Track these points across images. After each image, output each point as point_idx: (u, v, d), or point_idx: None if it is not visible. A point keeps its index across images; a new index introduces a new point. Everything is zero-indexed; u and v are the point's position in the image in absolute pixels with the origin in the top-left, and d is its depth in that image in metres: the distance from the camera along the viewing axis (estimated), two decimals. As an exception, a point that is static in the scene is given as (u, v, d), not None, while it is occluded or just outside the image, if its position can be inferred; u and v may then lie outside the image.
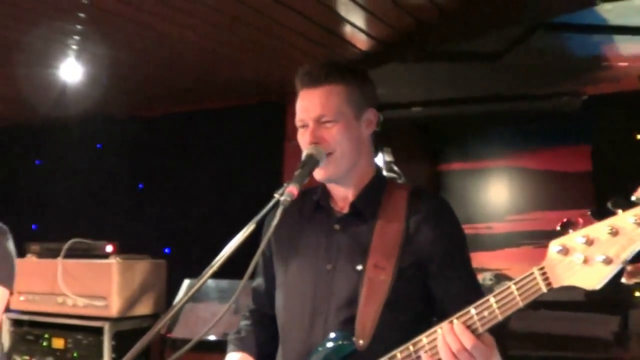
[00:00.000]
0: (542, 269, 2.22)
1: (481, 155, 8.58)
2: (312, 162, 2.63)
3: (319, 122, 2.70)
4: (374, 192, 2.79)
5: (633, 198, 2.05)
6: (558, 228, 2.26)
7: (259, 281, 3.07)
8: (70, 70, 5.89)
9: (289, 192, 2.47)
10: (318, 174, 2.69)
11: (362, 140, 2.77)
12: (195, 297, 2.37)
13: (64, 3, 4.59)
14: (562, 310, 5.66)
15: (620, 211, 2.08)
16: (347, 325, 2.61)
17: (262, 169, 6.75)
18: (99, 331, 6.04)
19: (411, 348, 2.45)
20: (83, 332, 6.14)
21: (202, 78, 6.41)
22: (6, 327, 6.28)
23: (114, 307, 6.02)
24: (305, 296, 2.75)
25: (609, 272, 2.12)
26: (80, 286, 6.13)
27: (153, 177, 7.45)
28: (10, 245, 3.53)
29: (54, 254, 6.32)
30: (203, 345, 2.83)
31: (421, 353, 2.42)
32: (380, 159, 4.70)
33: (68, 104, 7.16)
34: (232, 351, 2.97)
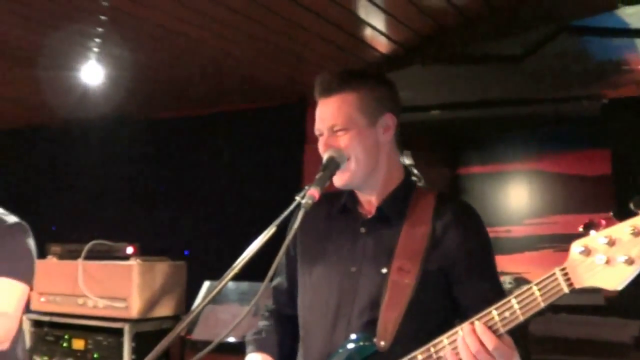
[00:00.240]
0: (563, 269, 2.21)
1: (500, 159, 8.55)
2: (334, 165, 2.65)
3: (331, 131, 2.72)
4: (401, 196, 2.79)
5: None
6: (580, 229, 2.26)
7: (280, 280, 3.08)
8: (91, 73, 5.91)
9: (310, 194, 2.47)
10: (336, 181, 2.71)
11: (380, 146, 2.77)
12: (216, 299, 2.37)
13: (85, 6, 4.61)
14: (582, 314, 5.64)
15: (642, 212, 2.08)
16: (370, 327, 2.61)
17: (282, 172, 6.75)
18: (119, 332, 6.05)
19: (432, 349, 2.45)
20: (103, 333, 6.16)
21: (223, 81, 6.42)
22: (26, 328, 6.29)
23: (134, 309, 6.03)
24: (329, 297, 2.76)
25: (630, 273, 2.11)
26: (101, 287, 6.14)
27: (173, 179, 7.46)
28: (31, 242, 3.56)
29: (74, 256, 6.34)
30: (223, 347, 2.84)
31: (442, 354, 2.42)
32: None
33: (89, 106, 7.19)
34: (252, 352, 2.97)
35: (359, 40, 5.31)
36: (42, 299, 6.32)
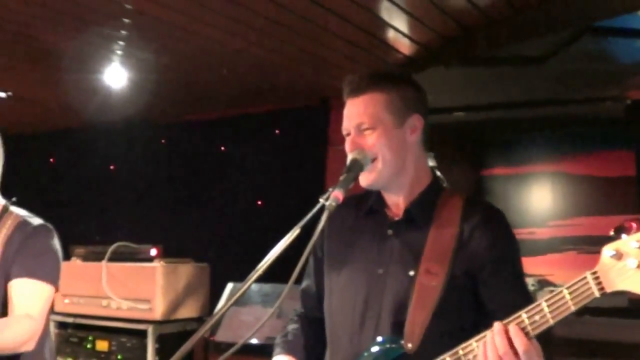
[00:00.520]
0: (594, 273, 2.20)
1: (524, 160, 8.55)
2: (357, 166, 2.65)
3: (358, 129, 2.73)
4: (429, 198, 2.79)
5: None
6: (611, 233, 2.26)
7: (308, 283, 3.08)
8: (115, 76, 5.93)
9: (334, 196, 2.47)
10: (362, 181, 2.70)
11: (407, 146, 2.77)
12: (239, 301, 2.37)
13: (109, 9, 4.62)
14: (606, 317, 5.62)
15: (674, 216, 2.08)
16: (397, 330, 2.61)
17: (305, 174, 6.75)
18: (142, 334, 6.07)
19: (460, 352, 2.45)
20: (127, 335, 6.18)
21: (245, 83, 6.43)
22: (51, 329, 6.34)
23: (158, 310, 6.06)
24: (356, 299, 2.76)
25: (663, 277, 2.11)
26: (125, 289, 6.17)
27: (196, 182, 7.48)
28: (56, 243, 3.57)
29: (98, 257, 6.38)
30: (246, 349, 2.85)
31: (471, 356, 2.42)
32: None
33: (112, 109, 7.22)
34: (279, 354, 2.97)
35: (381, 42, 5.31)
36: (66, 301, 6.36)
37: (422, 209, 2.77)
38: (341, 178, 2.57)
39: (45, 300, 3.44)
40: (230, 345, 2.33)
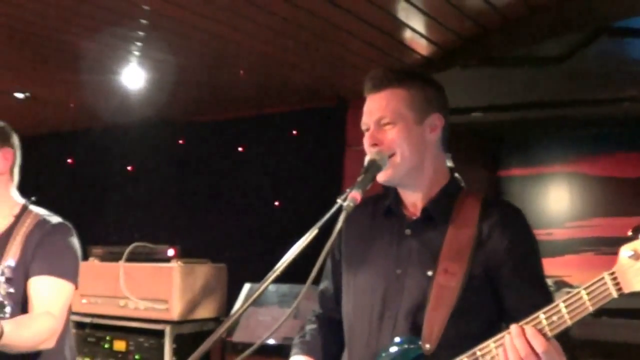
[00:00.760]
0: (612, 273, 2.20)
1: (541, 161, 8.52)
2: (375, 167, 2.64)
3: (378, 124, 2.72)
4: (447, 198, 2.78)
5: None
6: (629, 233, 2.24)
7: (327, 284, 3.08)
8: (133, 76, 5.95)
9: (351, 197, 2.46)
10: (380, 176, 2.69)
11: (426, 144, 2.77)
12: (256, 301, 2.37)
13: (126, 10, 4.63)
14: (623, 318, 5.60)
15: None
16: (415, 330, 2.61)
17: (322, 175, 6.74)
18: (160, 334, 6.09)
19: (478, 353, 2.45)
20: (144, 335, 6.20)
21: (262, 83, 6.44)
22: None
23: (175, 311, 6.07)
24: (374, 300, 2.75)
25: (681, 277, 2.11)
26: (142, 289, 6.19)
27: (214, 182, 7.49)
28: (75, 241, 3.59)
29: (116, 258, 6.40)
30: (263, 350, 2.85)
31: (489, 358, 2.41)
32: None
33: (130, 110, 7.24)
34: (296, 355, 2.98)
35: (398, 43, 5.30)
36: (84, 301, 6.37)
37: (440, 208, 2.76)
38: (359, 179, 2.57)
39: (65, 298, 3.45)
40: (247, 345, 2.34)
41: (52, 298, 3.39)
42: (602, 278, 2.21)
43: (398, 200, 2.87)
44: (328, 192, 6.26)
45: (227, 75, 6.17)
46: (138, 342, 6.23)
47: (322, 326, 3.07)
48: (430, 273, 2.65)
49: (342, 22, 4.86)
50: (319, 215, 2.45)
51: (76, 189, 8.30)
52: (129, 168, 8.11)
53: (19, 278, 3.33)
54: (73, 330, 6.17)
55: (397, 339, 2.63)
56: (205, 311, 6.32)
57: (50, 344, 3.33)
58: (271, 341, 5.35)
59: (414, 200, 2.82)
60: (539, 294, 2.64)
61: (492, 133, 8.57)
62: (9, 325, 2.96)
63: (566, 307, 2.27)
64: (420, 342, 2.57)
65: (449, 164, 2.90)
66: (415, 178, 2.77)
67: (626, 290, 2.18)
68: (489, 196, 2.83)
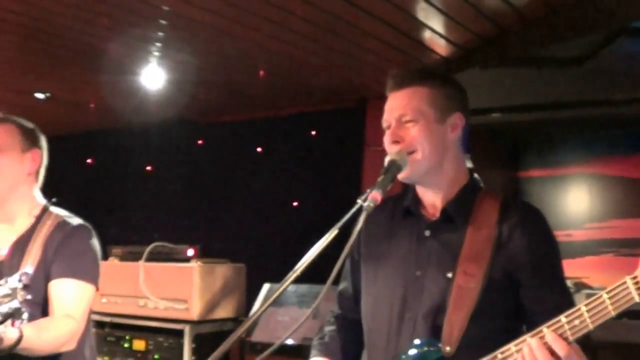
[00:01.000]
0: (634, 277, 2.18)
1: (561, 162, 8.49)
2: (395, 167, 2.64)
3: (400, 121, 2.72)
4: (466, 198, 2.77)
5: None
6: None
7: (346, 285, 3.07)
8: (152, 77, 5.96)
9: (372, 197, 2.46)
10: (400, 174, 2.68)
11: (447, 143, 2.76)
12: (275, 302, 2.37)
13: (146, 10, 4.64)
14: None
15: None
16: (435, 332, 2.60)
17: (341, 175, 6.74)
18: (179, 334, 6.11)
19: (499, 356, 2.43)
20: (164, 335, 6.22)
21: (281, 84, 6.44)
22: (89, 328, 6.39)
23: (195, 310, 6.09)
24: (393, 302, 2.74)
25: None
26: (162, 289, 6.21)
27: (233, 182, 7.49)
28: (95, 243, 3.59)
29: (135, 257, 6.42)
30: (282, 350, 2.86)
31: None
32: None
33: (149, 110, 7.26)
34: (315, 356, 2.98)
35: (418, 43, 5.29)
36: (104, 300, 6.40)
37: (460, 209, 2.75)
38: (379, 179, 2.57)
39: (85, 300, 3.46)
40: (266, 345, 2.34)
41: (72, 301, 3.39)
42: (624, 282, 2.20)
43: (416, 201, 2.86)
44: (347, 193, 6.29)
45: (246, 75, 6.18)
46: (157, 341, 6.25)
47: (341, 327, 3.07)
48: (450, 275, 2.64)
49: (361, 22, 4.86)
50: (337, 215, 2.44)
51: (96, 189, 8.32)
52: (148, 168, 8.13)
53: (39, 282, 3.33)
54: (93, 330, 6.21)
55: (416, 341, 2.62)
56: (224, 311, 6.34)
57: (71, 346, 3.34)
58: (290, 341, 5.35)
59: (433, 200, 2.81)
60: (559, 296, 2.64)
61: (511, 134, 8.55)
62: (28, 329, 2.97)
63: (588, 311, 2.25)
64: (440, 345, 2.57)
65: (468, 164, 2.90)
66: (435, 177, 2.76)
67: None
68: (508, 197, 2.81)
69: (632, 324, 5.54)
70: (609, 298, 2.22)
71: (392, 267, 2.80)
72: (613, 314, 2.21)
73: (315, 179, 6.97)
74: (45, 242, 3.47)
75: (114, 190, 8.28)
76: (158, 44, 5.32)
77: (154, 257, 6.36)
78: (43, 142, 3.71)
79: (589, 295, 2.43)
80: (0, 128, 3.60)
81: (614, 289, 2.22)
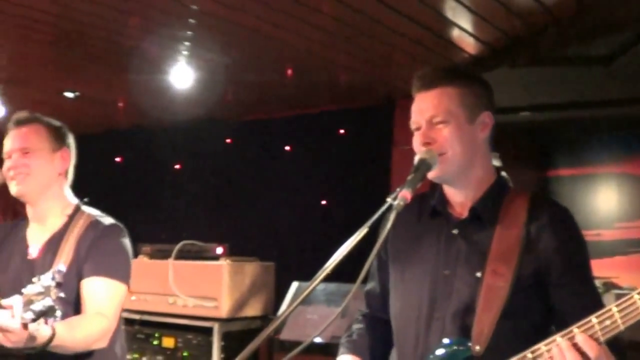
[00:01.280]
0: None
1: (590, 161, 8.45)
2: (425, 166, 2.63)
3: (430, 123, 2.70)
4: (494, 197, 2.77)
5: None
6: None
7: (373, 284, 3.07)
8: (181, 76, 5.98)
9: (402, 196, 2.45)
10: (431, 173, 2.67)
11: (477, 143, 2.76)
12: (304, 300, 2.38)
13: (175, 9, 4.66)
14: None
15: None
16: (464, 332, 2.60)
17: (369, 174, 6.74)
18: (208, 331, 6.13)
19: (529, 356, 2.42)
20: (193, 332, 6.24)
21: (310, 82, 6.45)
22: (119, 326, 6.43)
23: (224, 308, 6.10)
24: (422, 301, 2.74)
25: None
26: (191, 287, 6.23)
27: (261, 180, 7.50)
28: (127, 242, 3.61)
29: (165, 255, 6.44)
30: (310, 348, 2.87)
31: None
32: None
33: (178, 109, 7.29)
34: (343, 354, 2.98)
35: (446, 41, 5.28)
36: (133, 298, 6.42)
37: (488, 208, 2.75)
38: (409, 177, 2.56)
39: (117, 299, 3.48)
40: (294, 343, 2.35)
41: (104, 299, 3.42)
42: None
43: (443, 200, 2.85)
44: (375, 191, 6.29)
45: (274, 74, 6.19)
46: (186, 339, 6.28)
47: (369, 326, 3.07)
48: (479, 274, 2.63)
49: (390, 21, 4.85)
50: (366, 214, 2.44)
51: (124, 188, 8.36)
52: (177, 166, 8.17)
53: (71, 281, 3.35)
54: (122, 327, 6.27)
55: (445, 341, 2.62)
56: (252, 309, 6.35)
57: (102, 344, 3.36)
58: (318, 340, 5.35)
59: (461, 199, 2.80)
60: (588, 296, 2.63)
61: (540, 133, 8.52)
62: (61, 327, 2.99)
63: (619, 311, 2.24)
64: (469, 344, 2.56)
65: (497, 163, 2.89)
66: (464, 177, 2.76)
67: None
68: (536, 195, 2.80)
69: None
70: None
71: (420, 267, 2.80)
72: None
73: (344, 177, 6.97)
74: (78, 241, 3.50)
75: (142, 188, 8.32)
76: (187, 43, 5.34)
77: (183, 255, 6.39)
78: (71, 140, 3.73)
79: (618, 295, 2.42)
80: (28, 128, 3.63)
81: None
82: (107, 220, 3.63)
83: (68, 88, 6.77)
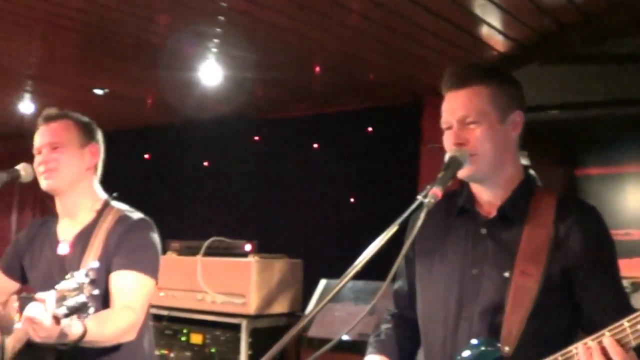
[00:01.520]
0: None
1: (620, 160, 8.39)
2: (456, 164, 2.63)
3: (462, 123, 2.69)
4: (523, 196, 2.75)
5: None
6: None
7: (400, 284, 3.06)
8: (210, 73, 5.99)
9: (432, 194, 2.44)
10: (462, 172, 2.67)
11: (508, 142, 2.75)
12: (332, 297, 2.38)
13: (204, 6, 4.67)
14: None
15: None
16: (492, 332, 2.59)
17: (397, 172, 6.72)
18: (236, 328, 6.15)
19: (560, 358, 2.41)
20: (221, 329, 6.26)
21: (338, 80, 6.44)
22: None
23: (252, 305, 6.12)
24: (449, 300, 2.74)
25: None
26: (219, 283, 6.25)
27: (290, 178, 7.51)
28: (156, 237, 3.63)
29: (193, 252, 6.47)
30: (338, 346, 2.87)
31: None
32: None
33: (207, 106, 7.31)
34: (371, 354, 2.98)
35: (475, 39, 5.26)
36: (162, 294, 6.45)
37: (516, 207, 2.73)
38: (439, 175, 2.55)
39: (145, 293, 3.50)
40: (322, 340, 2.36)
41: (133, 293, 3.44)
42: None
43: (471, 199, 2.85)
44: (403, 189, 6.28)
45: (303, 72, 6.20)
46: (214, 335, 6.30)
47: (397, 325, 3.07)
48: (507, 274, 2.63)
49: (419, 18, 4.84)
50: (394, 212, 2.44)
51: (153, 184, 8.40)
52: (205, 163, 8.18)
53: (101, 276, 3.37)
54: (150, 323, 6.30)
55: (474, 341, 2.61)
56: (280, 306, 6.37)
57: (130, 336, 3.38)
58: (346, 337, 5.36)
59: (489, 198, 2.79)
60: (615, 296, 2.62)
61: (569, 131, 8.47)
62: (91, 323, 3.01)
63: None
64: (498, 344, 2.56)
65: (524, 161, 2.88)
66: (495, 176, 2.75)
67: None
68: (564, 195, 2.78)
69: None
70: None
71: (448, 266, 2.80)
72: None
73: (372, 175, 6.96)
74: (107, 236, 3.52)
75: (171, 185, 8.35)
76: (216, 40, 5.34)
77: (211, 252, 6.41)
78: (100, 135, 3.76)
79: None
80: (58, 124, 3.66)
81: None
82: (136, 215, 3.65)
83: (97, 85, 6.80)
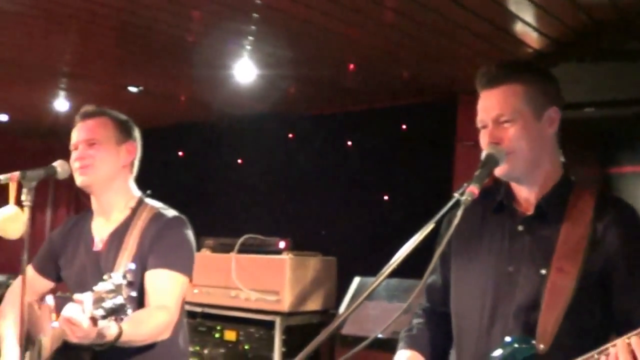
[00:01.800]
0: None
1: (655, 159, 8.33)
2: (492, 161, 2.62)
3: (497, 122, 2.68)
4: (560, 193, 2.74)
5: None
6: None
7: (435, 278, 3.05)
8: (244, 70, 6.00)
9: (469, 191, 2.43)
10: (498, 171, 2.66)
11: (545, 139, 2.73)
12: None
13: (239, 3, 4.68)
14: None
15: None
16: (527, 329, 2.58)
17: (432, 169, 6.70)
18: (270, 325, 6.16)
19: (596, 356, 2.39)
20: (255, 326, 6.28)
21: (372, 77, 6.43)
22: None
23: (286, 302, 6.14)
24: (485, 297, 2.73)
25: None
26: (253, 281, 6.27)
27: (323, 175, 7.51)
28: (190, 235, 3.63)
29: (227, 249, 6.49)
30: (372, 343, 2.87)
31: None
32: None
33: (241, 103, 7.32)
34: (403, 348, 2.98)
35: (510, 36, 5.23)
36: (196, 291, 6.48)
37: (554, 205, 2.72)
38: (476, 173, 2.54)
39: (180, 291, 3.51)
40: (356, 338, 2.36)
41: (167, 291, 3.44)
42: None
43: (509, 195, 2.83)
44: (438, 187, 6.25)
45: (337, 69, 6.19)
46: (248, 332, 6.32)
47: (430, 320, 3.07)
48: (543, 271, 2.61)
49: (453, 15, 4.81)
50: (428, 209, 2.43)
51: (187, 181, 8.43)
52: (239, 161, 8.20)
53: (138, 277, 3.39)
54: (184, 320, 6.33)
55: (507, 339, 2.59)
56: (314, 304, 6.37)
57: (165, 336, 3.39)
58: (379, 335, 5.35)
59: (527, 195, 2.78)
60: None
61: (604, 129, 8.41)
62: (126, 324, 3.02)
63: None
64: (533, 342, 2.54)
65: (561, 158, 2.86)
66: (532, 173, 2.73)
67: None
68: (603, 193, 2.76)
69: None
70: None
71: (484, 262, 2.79)
72: None
73: (406, 173, 6.94)
74: (142, 234, 3.53)
75: (204, 182, 8.38)
76: (250, 38, 5.34)
77: (245, 249, 6.43)
78: (137, 133, 3.77)
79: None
80: (95, 121, 3.67)
81: None
82: (170, 212, 3.66)
83: (131, 83, 6.83)
